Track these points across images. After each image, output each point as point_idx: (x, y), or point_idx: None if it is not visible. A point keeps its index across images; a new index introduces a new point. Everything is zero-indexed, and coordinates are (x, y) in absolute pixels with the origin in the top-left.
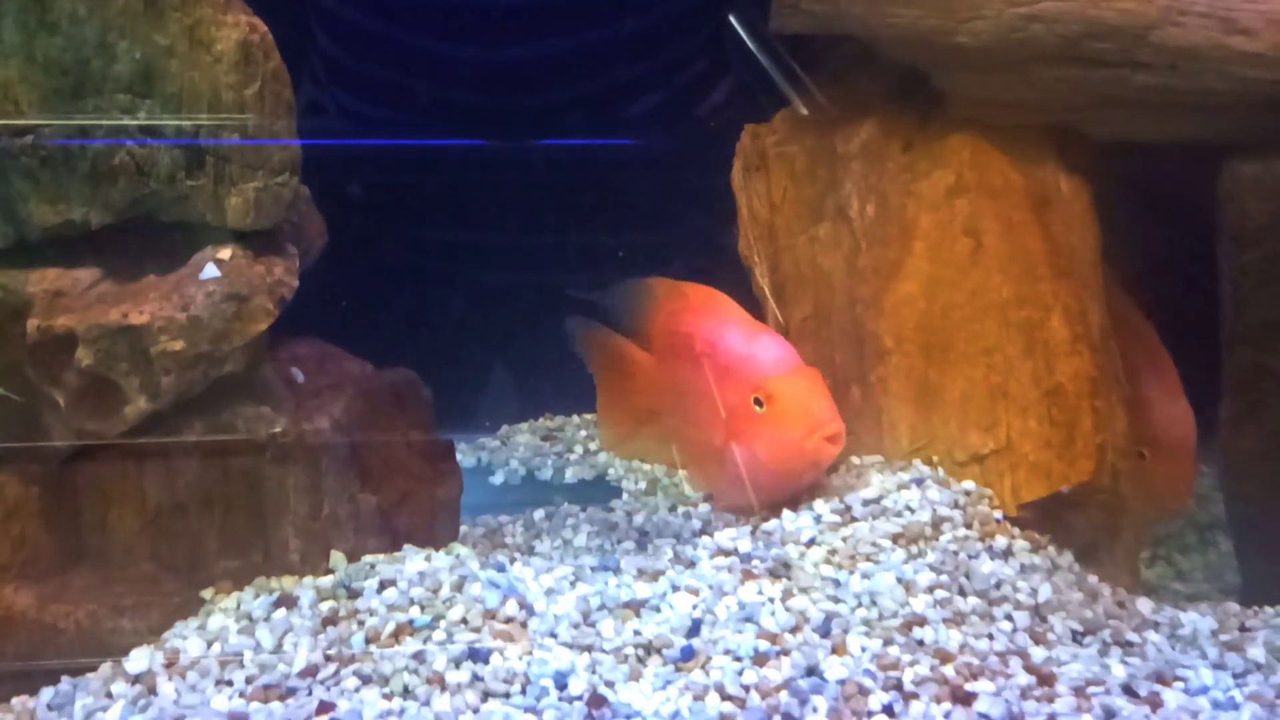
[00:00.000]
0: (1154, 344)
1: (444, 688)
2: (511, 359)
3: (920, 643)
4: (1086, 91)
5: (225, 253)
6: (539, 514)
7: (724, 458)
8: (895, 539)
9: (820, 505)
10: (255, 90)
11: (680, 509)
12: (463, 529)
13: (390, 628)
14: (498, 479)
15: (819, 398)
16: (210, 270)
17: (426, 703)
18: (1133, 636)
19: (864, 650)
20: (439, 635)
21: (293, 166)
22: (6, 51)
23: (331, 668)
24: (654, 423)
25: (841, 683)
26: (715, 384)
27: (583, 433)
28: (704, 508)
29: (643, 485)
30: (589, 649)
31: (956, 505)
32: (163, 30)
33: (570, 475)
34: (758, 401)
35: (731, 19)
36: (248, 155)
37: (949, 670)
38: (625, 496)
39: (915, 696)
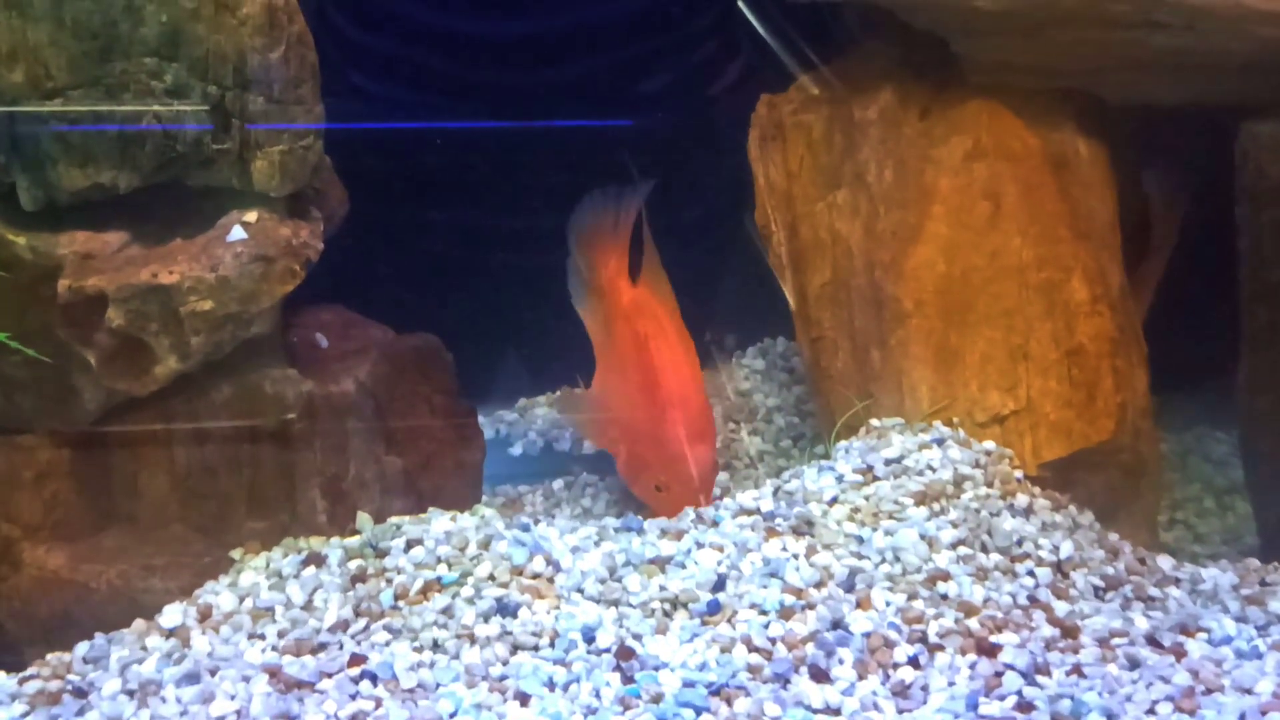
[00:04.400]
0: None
1: (473, 641)
2: (530, 333)
3: (944, 597)
4: (1104, 54)
5: (251, 215)
6: (558, 484)
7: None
8: (917, 497)
9: (842, 465)
10: (280, 53)
11: None
12: (484, 498)
13: (418, 585)
14: (516, 450)
15: (706, 493)
16: (237, 232)
17: (456, 655)
18: (1154, 591)
19: (888, 604)
20: (467, 591)
21: (317, 130)
22: (36, 15)
23: (361, 622)
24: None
25: (867, 635)
26: (625, 387)
27: None
28: (722, 475)
29: None
30: (616, 603)
31: (977, 465)
32: None
33: (588, 446)
34: (658, 487)
35: None
36: (272, 118)
37: (973, 623)
38: None
39: (940, 649)
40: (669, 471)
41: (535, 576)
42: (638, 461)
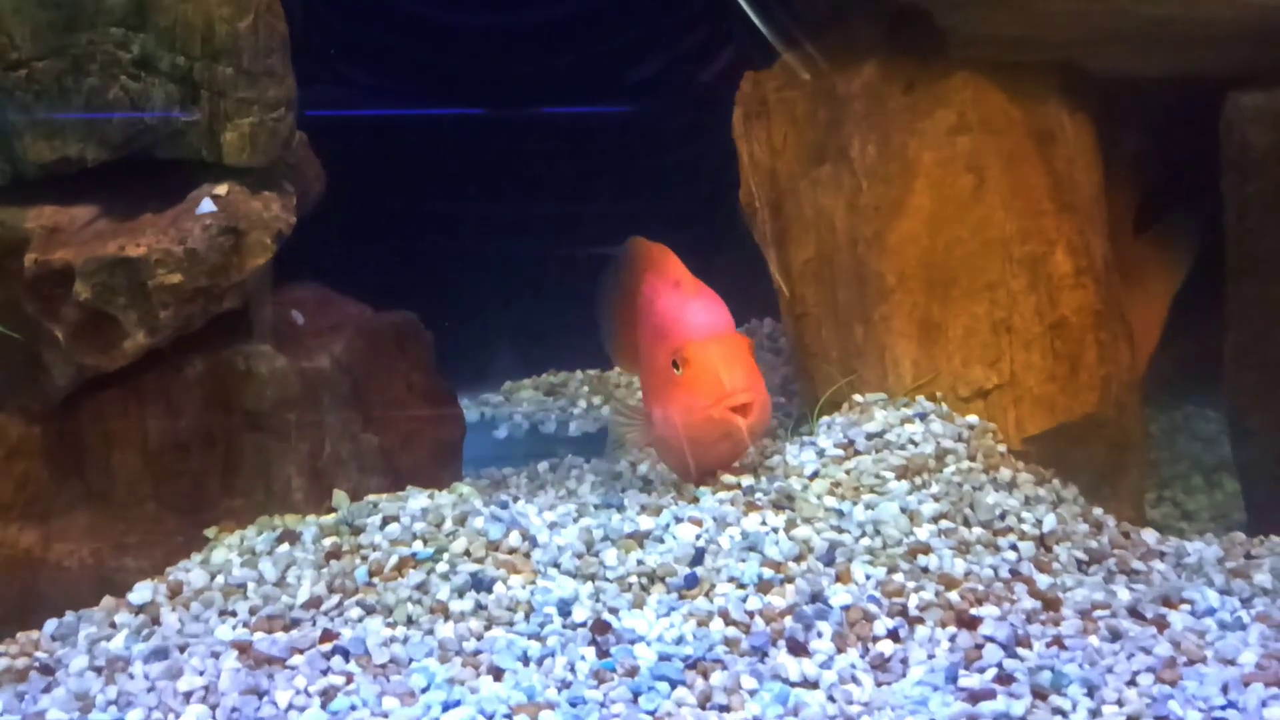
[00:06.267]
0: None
1: (447, 616)
2: (516, 316)
3: (925, 570)
4: (1089, 25)
5: (222, 188)
6: (543, 466)
7: (652, 418)
8: (899, 471)
9: (823, 440)
10: (249, 23)
11: None
12: (466, 480)
13: (393, 561)
14: (501, 433)
15: (734, 366)
16: (207, 205)
17: (430, 631)
18: (1138, 565)
19: (868, 578)
20: (442, 567)
21: (288, 102)
22: None
23: (335, 599)
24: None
25: (846, 608)
26: (650, 345)
27: (585, 388)
28: None
29: None
30: (592, 578)
31: (960, 439)
32: None
33: (574, 429)
34: (675, 364)
35: None
36: (243, 90)
37: (954, 596)
38: None
39: (920, 621)
40: (676, 335)
41: (511, 551)
42: (655, 382)
